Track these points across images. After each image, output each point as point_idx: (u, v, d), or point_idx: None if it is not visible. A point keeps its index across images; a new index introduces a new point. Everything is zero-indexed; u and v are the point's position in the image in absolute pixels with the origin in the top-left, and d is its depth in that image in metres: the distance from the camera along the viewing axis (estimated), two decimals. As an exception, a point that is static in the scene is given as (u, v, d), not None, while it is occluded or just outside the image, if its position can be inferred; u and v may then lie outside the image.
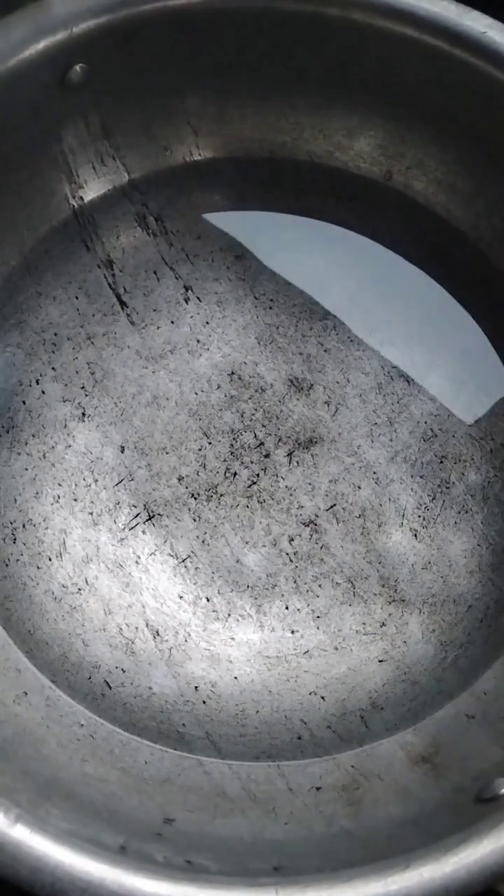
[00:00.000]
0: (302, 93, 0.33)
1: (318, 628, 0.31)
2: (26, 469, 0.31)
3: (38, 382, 0.33)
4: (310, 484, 0.33)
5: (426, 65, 0.31)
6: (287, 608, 0.31)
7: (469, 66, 0.30)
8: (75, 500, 0.31)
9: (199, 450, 0.33)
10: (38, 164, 0.31)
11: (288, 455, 0.33)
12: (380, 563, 0.32)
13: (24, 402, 0.32)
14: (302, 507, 0.32)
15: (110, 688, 0.28)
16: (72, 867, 0.20)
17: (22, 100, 0.29)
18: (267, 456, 0.33)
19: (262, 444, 0.33)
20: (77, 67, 0.29)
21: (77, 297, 0.34)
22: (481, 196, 0.33)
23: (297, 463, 0.33)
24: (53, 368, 0.33)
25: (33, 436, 0.32)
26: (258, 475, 0.33)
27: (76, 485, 0.32)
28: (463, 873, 0.20)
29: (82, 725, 0.27)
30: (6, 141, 0.29)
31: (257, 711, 0.29)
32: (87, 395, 0.33)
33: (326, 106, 0.34)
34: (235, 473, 0.33)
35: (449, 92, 0.31)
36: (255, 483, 0.33)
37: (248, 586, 0.31)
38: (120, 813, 0.24)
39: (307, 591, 0.31)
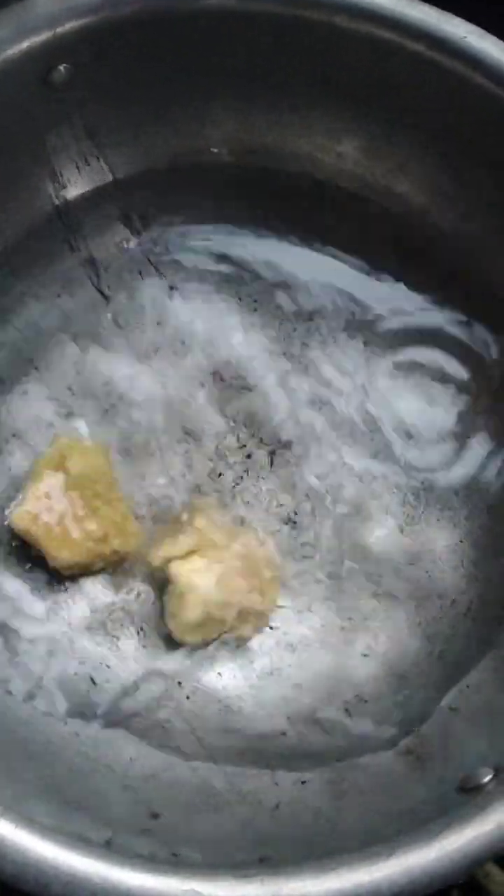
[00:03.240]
0: (284, 95, 0.34)
1: (301, 623, 0.31)
2: (10, 469, 0.31)
3: (22, 381, 0.33)
4: (293, 483, 0.33)
5: (408, 69, 0.31)
6: (272, 604, 0.31)
7: (450, 70, 0.31)
8: (60, 498, 0.31)
9: (185, 452, 0.33)
10: (22, 164, 0.31)
11: (270, 454, 0.33)
12: (364, 559, 0.32)
13: (7, 402, 0.32)
14: (283, 505, 0.33)
15: (95, 684, 0.28)
16: (56, 861, 0.20)
17: (5, 100, 0.29)
18: (250, 456, 0.33)
19: (245, 444, 0.33)
20: (61, 67, 0.29)
21: (61, 297, 0.34)
22: (463, 198, 0.34)
23: (281, 463, 0.33)
24: (37, 368, 0.33)
25: (14, 435, 0.32)
26: (242, 476, 0.33)
27: (61, 483, 0.32)
28: (446, 860, 0.20)
29: (66, 723, 0.27)
30: (-10, 140, 0.29)
31: (241, 707, 0.29)
32: (71, 395, 0.33)
33: (309, 109, 0.34)
34: (221, 474, 0.33)
35: (430, 96, 0.32)
36: (239, 483, 0.33)
37: (233, 583, 0.31)
38: (105, 808, 0.24)
39: (292, 586, 0.31)
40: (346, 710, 0.29)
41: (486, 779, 0.23)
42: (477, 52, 0.30)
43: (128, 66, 0.31)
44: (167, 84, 0.32)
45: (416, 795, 0.25)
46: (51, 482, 0.29)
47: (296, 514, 0.32)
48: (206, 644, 0.29)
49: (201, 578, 0.29)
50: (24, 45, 0.28)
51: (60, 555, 0.28)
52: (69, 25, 0.28)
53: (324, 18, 0.31)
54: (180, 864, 0.21)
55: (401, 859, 0.20)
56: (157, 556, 0.30)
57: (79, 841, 0.20)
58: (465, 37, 0.30)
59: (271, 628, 0.30)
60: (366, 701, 0.29)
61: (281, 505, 0.33)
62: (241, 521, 0.32)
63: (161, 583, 0.30)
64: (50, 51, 0.28)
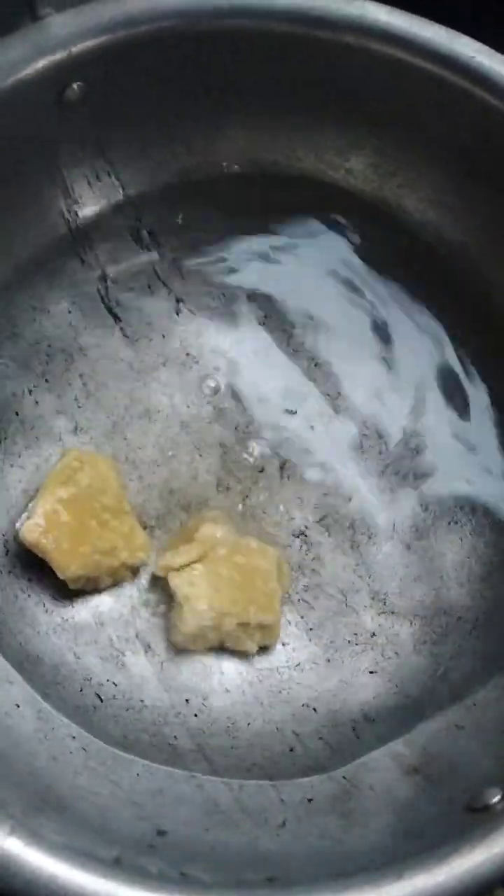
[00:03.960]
0: (295, 112, 0.34)
1: (309, 640, 0.31)
2: (20, 481, 0.32)
3: (31, 394, 0.33)
4: (300, 497, 0.33)
5: (417, 87, 0.32)
6: (279, 620, 0.31)
7: (459, 88, 0.31)
8: (68, 511, 0.31)
9: (191, 462, 0.33)
10: (35, 180, 0.32)
11: (280, 468, 0.33)
12: (370, 575, 0.32)
13: (17, 414, 0.32)
14: (293, 519, 0.33)
15: (101, 700, 0.28)
16: (66, 880, 0.20)
17: (20, 117, 0.29)
18: (259, 470, 0.33)
19: (253, 457, 0.33)
20: (74, 86, 0.30)
21: (71, 311, 0.34)
22: (471, 214, 0.34)
23: (289, 476, 0.33)
24: (47, 380, 0.33)
25: (26, 448, 0.32)
26: (250, 489, 0.33)
27: (69, 497, 0.32)
28: (455, 882, 0.20)
29: (74, 738, 0.27)
30: (3, 157, 0.30)
31: (249, 724, 0.29)
32: (79, 408, 0.33)
33: (319, 125, 0.34)
34: (228, 487, 0.33)
35: (439, 113, 0.32)
36: (247, 496, 0.33)
37: (240, 598, 0.31)
38: (113, 825, 0.24)
39: (298, 602, 0.31)
40: (353, 729, 0.29)
41: (495, 799, 0.22)
42: (486, 71, 0.31)
43: (140, 85, 0.31)
44: (179, 101, 0.33)
45: (424, 815, 0.25)
46: (60, 495, 0.29)
47: (306, 528, 0.33)
48: (207, 651, 0.30)
49: (198, 589, 0.29)
50: (40, 64, 0.28)
51: (69, 567, 0.28)
52: (84, 45, 0.29)
53: (334, 38, 0.31)
54: (188, 884, 0.21)
55: (410, 881, 0.20)
56: (158, 567, 0.30)
57: (88, 858, 0.20)
58: (475, 56, 0.31)
59: (283, 645, 0.30)
60: (373, 719, 0.29)
61: (292, 519, 0.33)
62: (249, 534, 0.32)
63: (168, 596, 0.30)
64: (64, 70, 0.29)
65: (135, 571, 0.31)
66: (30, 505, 0.30)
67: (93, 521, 0.29)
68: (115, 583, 0.30)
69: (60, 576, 0.29)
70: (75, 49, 0.28)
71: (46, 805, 0.23)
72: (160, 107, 0.32)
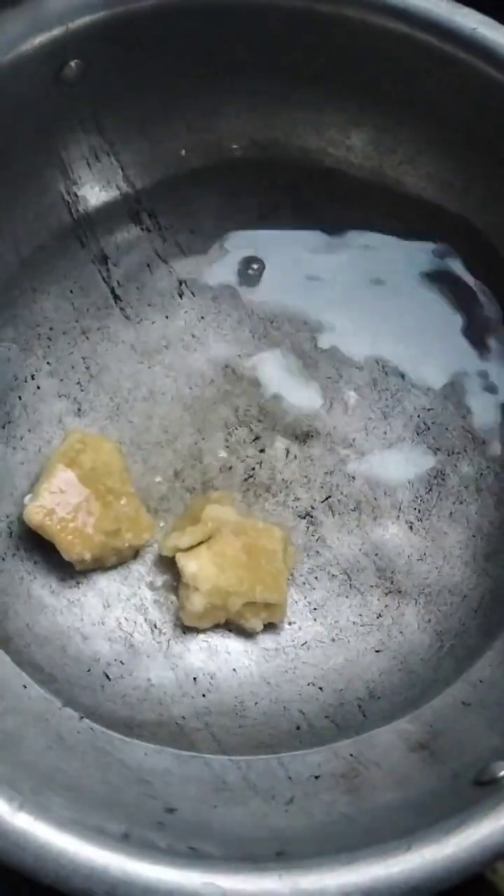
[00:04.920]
0: (295, 89, 0.34)
1: (315, 620, 0.31)
2: (22, 463, 0.32)
3: (33, 378, 0.33)
4: (305, 477, 0.33)
5: (417, 60, 0.31)
6: (284, 599, 0.31)
7: (460, 61, 0.30)
8: (72, 494, 0.31)
9: (195, 444, 0.33)
10: (33, 160, 0.32)
11: (284, 449, 0.33)
12: (376, 554, 0.32)
13: (19, 398, 0.32)
14: (298, 499, 0.33)
15: (109, 680, 0.29)
16: (76, 854, 0.20)
17: (18, 95, 0.29)
18: (262, 450, 0.33)
19: (257, 437, 0.33)
20: (72, 63, 0.29)
21: (72, 292, 0.34)
22: (472, 190, 0.34)
23: (293, 456, 0.33)
24: (49, 363, 0.33)
25: (29, 430, 0.32)
26: (254, 469, 0.33)
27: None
28: (463, 854, 0.20)
29: (82, 718, 0.27)
30: (1, 136, 0.29)
31: (256, 703, 0.29)
32: (82, 391, 0.33)
33: (319, 102, 0.34)
34: (231, 467, 0.33)
35: (440, 87, 0.32)
36: (251, 477, 0.33)
37: (245, 578, 0.31)
38: (121, 802, 0.24)
39: (304, 583, 0.31)
40: (359, 706, 0.29)
41: (502, 772, 0.23)
42: (487, 43, 0.30)
43: (139, 62, 0.31)
44: (178, 79, 0.32)
45: (431, 790, 0.25)
46: (64, 477, 0.29)
47: (312, 508, 0.33)
48: (214, 631, 0.30)
49: (205, 569, 0.29)
50: (37, 40, 0.28)
51: (74, 549, 0.28)
52: (81, 21, 0.28)
53: (333, 10, 0.31)
54: (198, 858, 0.21)
55: (418, 853, 0.20)
56: (165, 548, 0.30)
57: (97, 834, 0.20)
58: (476, 28, 0.30)
59: (290, 624, 0.30)
60: (378, 697, 0.29)
61: (297, 499, 0.33)
62: (254, 515, 0.32)
63: (175, 576, 0.30)
64: (62, 47, 0.28)
65: (139, 552, 0.31)
66: (33, 487, 0.30)
67: (97, 503, 0.29)
68: (121, 562, 0.30)
69: (66, 557, 0.29)
70: (73, 25, 0.28)
71: (55, 783, 0.23)
72: (159, 85, 0.32)
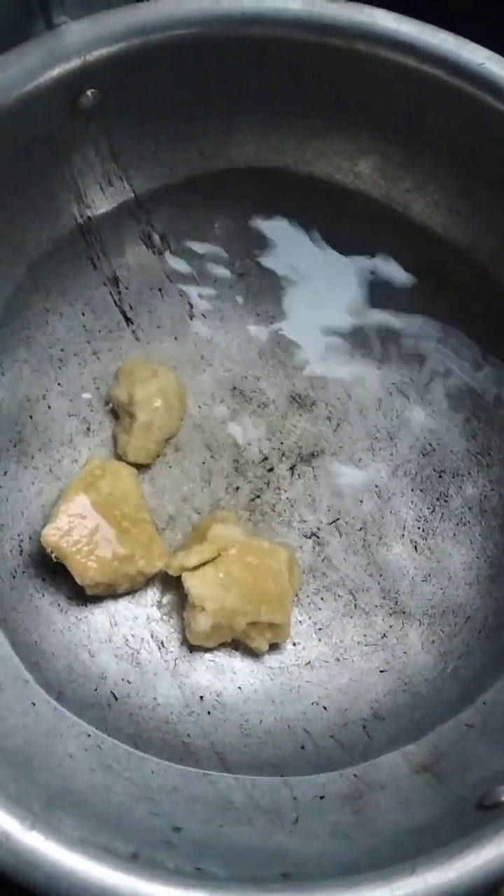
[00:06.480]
0: (305, 117, 0.34)
1: (320, 640, 0.31)
2: (33, 482, 0.32)
3: (44, 398, 0.33)
4: (311, 497, 0.33)
5: (426, 93, 0.32)
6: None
7: (467, 95, 0.31)
8: (82, 512, 0.32)
9: (203, 463, 0.34)
10: (48, 184, 0.32)
11: (290, 469, 0.34)
12: (380, 575, 0.32)
13: (31, 417, 0.33)
14: (304, 520, 0.33)
15: (116, 699, 0.29)
16: (86, 874, 0.20)
17: (35, 123, 0.29)
18: (270, 470, 0.34)
19: (265, 458, 0.34)
20: (88, 93, 0.30)
21: (84, 314, 0.35)
22: (478, 218, 0.34)
23: (300, 476, 0.34)
24: (60, 384, 0.34)
25: (40, 450, 0.33)
26: (261, 489, 0.33)
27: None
28: (467, 879, 0.21)
29: (89, 736, 0.27)
30: (18, 162, 0.30)
31: (261, 721, 0.29)
32: (92, 411, 0.34)
33: (328, 130, 0.35)
34: (238, 488, 0.33)
35: (447, 119, 0.32)
36: (258, 497, 0.33)
37: (251, 598, 0.31)
38: (129, 821, 0.24)
39: (309, 603, 0.32)
40: (364, 727, 0.29)
41: (505, 797, 0.23)
42: (494, 77, 0.31)
43: (153, 92, 0.32)
44: (191, 108, 0.33)
45: (435, 813, 0.25)
46: (81, 501, 0.29)
47: (318, 529, 0.33)
48: (220, 650, 0.30)
49: (211, 589, 0.29)
50: (55, 72, 0.28)
51: (87, 572, 0.29)
52: (98, 53, 0.29)
53: (344, 45, 0.31)
54: (205, 879, 0.21)
55: (422, 877, 0.20)
56: (172, 567, 0.30)
57: (106, 853, 0.21)
58: (483, 63, 0.31)
59: (294, 644, 0.31)
60: (383, 718, 0.29)
61: (304, 521, 0.33)
62: (260, 535, 0.32)
63: (181, 596, 0.30)
64: (79, 77, 0.29)
65: (151, 580, 0.31)
66: (45, 507, 0.31)
67: (112, 529, 0.29)
68: (132, 589, 0.31)
69: (79, 581, 0.29)
70: (90, 57, 0.29)
71: (64, 801, 0.23)
72: (173, 113, 0.33)
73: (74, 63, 0.29)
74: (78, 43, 0.28)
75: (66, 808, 0.23)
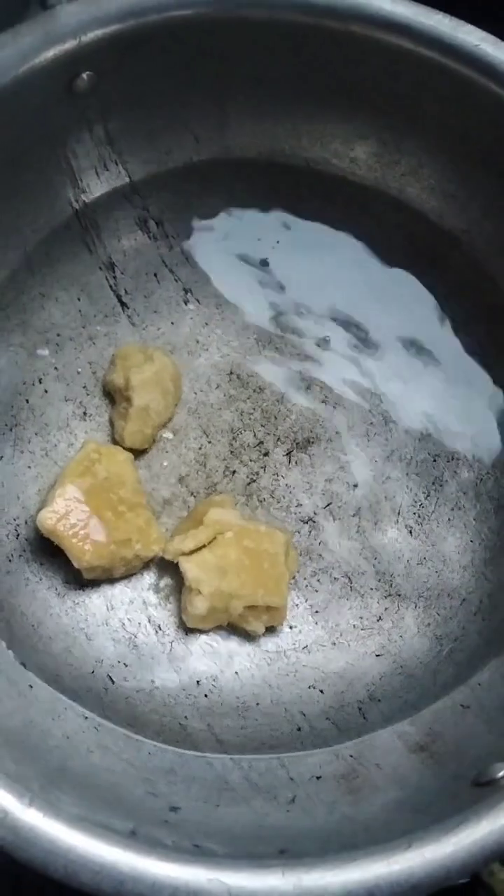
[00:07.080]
0: (300, 101, 0.34)
1: (316, 623, 0.31)
2: (29, 467, 0.32)
3: (40, 382, 0.33)
4: (307, 482, 0.33)
5: (421, 76, 0.32)
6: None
7: (463, 77, 0.31)
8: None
9: (199, 448, 0.34)
10: (43, 168, 0.32)
11: (286, 454, 0.34)
12: (376, 559, 0.32)
13: (27, 401, 0.33)
14: (300, 504, 0.33)
15: (113, 682, 0.29)
16: (85, 850, 0.20)
17: (30, 106, 0.29)
18: (266, 455, 0.34)
19: (261, 442, 0.34)
20: (84, 75, 0.30)
21: (79, 299, 0.34)
22: (474, 202, 0.34)
23: (296, 462, 0.34)
24: (56, 368, 0.34)
25: (36, 434, 0.33)
26: (257, 473, 0.33)
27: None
28: (463, 853, 0.21)
29: (86, 718, 0.27)
30: (13, 145, 0.30)
31: (258, 704, 0.29)
32: (88, 395, 0.34)
33: (324, 114, 0.34)
34: (234, 472, 0.33)
35: (443, 102, 0.32)
36: (254, 481, 0.33)
37: (248, 582, 0.32)
38: (127, 800, 0.24)
39: (306, 586, 0.32)
40: (360, 709, 0.29)
41: (501, 773, 0.23)
42: (490, 59, 0.31)
43: (149, 74, 0.31)
44: (187, 91, 0.33)
45: (430, 790, 0.25)
46: (78, 485, 0.29)
47: (315, 513, 0.33)
48: (216, 633, 0.30)
49: (207, 573, 0.29)
50: (50, 53, 0.28)
51: (84, 556, 0.29)
52: (93, 34, 0.29)
53: (340, 27, 0.31)
54: (203, 855, 0.21)
55: (418, 852, 0.21)
56: (168, 551, 0.30)
57: (105, 830, 0.21)
58: (479, 44, 0.31)
59: (291, 627, 0.31)
60: (378, 700, 0.29)
61: (300, 505, 0.33)
62: (257, 519, 0.32)
63: (178, 579, 0.30)
64: (74, 59, 0.29)
65: (148, 564, 0.31)
66: (41, 491, 0.31)
67: (109, 513, 0.29)
68: (128, 573, 0.31)
69: (76, 565, 0.29)
70: (85, 38, 0.29)
71: (62, 780, 0.23)
72: (168, 96, 0.33)
73: (70, 44, 0.29)
74: (73, 24, 0.28)
75: (64, 787, 0.23)
